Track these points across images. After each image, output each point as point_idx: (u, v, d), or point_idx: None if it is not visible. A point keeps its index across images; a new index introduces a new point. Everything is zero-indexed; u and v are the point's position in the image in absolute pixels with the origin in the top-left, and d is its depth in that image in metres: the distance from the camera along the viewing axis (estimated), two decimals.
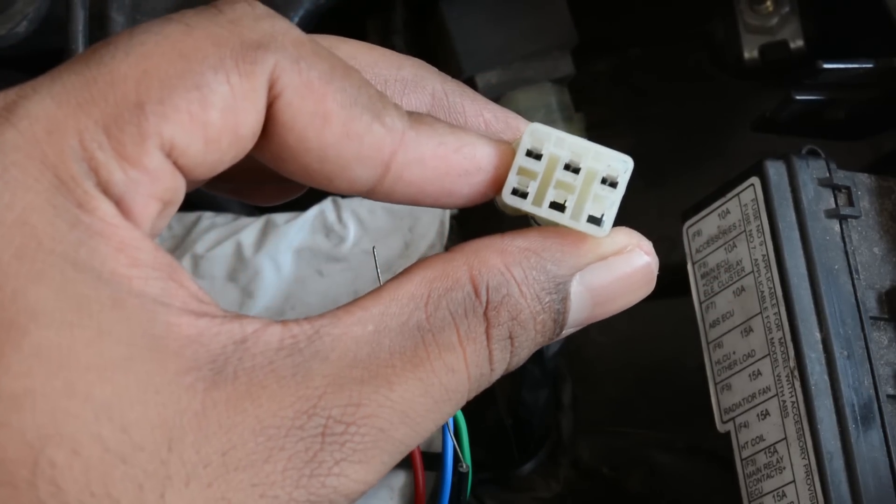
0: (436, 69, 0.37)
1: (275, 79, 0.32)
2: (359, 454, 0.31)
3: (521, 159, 0.34)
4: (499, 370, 0.33)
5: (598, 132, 0.66)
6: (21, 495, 0.28)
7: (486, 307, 0.33)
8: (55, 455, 0.28)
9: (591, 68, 0.68)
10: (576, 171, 0.33)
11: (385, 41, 0.64)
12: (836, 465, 0.44)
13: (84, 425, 0.28)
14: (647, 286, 0.36)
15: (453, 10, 0.63)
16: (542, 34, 0.63)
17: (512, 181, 0.34)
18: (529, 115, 0.64)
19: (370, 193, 0.34)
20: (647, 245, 0.35)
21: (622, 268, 0.35)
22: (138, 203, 0.31)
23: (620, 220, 0.66)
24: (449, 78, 0.37)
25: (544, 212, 0.34)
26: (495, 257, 0.33)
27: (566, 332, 0.34)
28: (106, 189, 0.30)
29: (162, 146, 0.31)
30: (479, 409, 0.53)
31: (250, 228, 0.61)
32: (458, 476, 0.42)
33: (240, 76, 0.31)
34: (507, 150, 0.34)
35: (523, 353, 0.34)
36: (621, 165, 0.34)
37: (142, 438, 0.28)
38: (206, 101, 0.31)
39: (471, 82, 0.63)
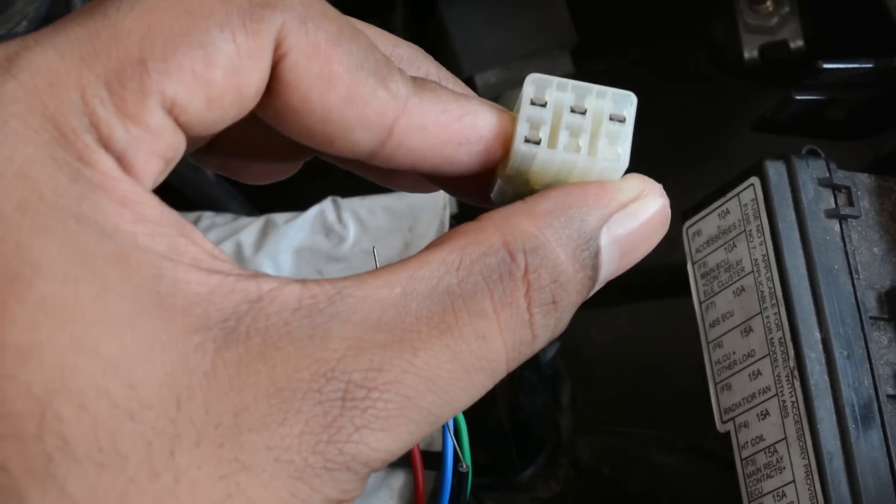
0: (432, 57, 0.37)
1: (281, 38, 0.31)
2: (381, 421, 0.29)
3: (527, 108, 0.33)
4: (543, 336, 0.32)
5: None
6: (28, 448, 0.27)
7: (525, 271, 0.31)
8: (62, 409, 0.27)
9: (591, 68, 0.68)
10: (582, 112, 0.33)
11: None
12: (835, 465, 0.44)
13: (91, 380, 0.27)
14: (663, 229, 0.35)
15: (452, 9, 0.63)
16: (541, 34, 0.63)
17: (523, 130, 0.33)
18: None
19: (370, 157, 0.33)
20: (660, 188, 0.35)
21: (643, 213, 0.34)
22: (139, 160, 0.30)
23: None
24: (443, 67, 0.37)
25: (561, 156, 0.33)
26: (526, 222, 0.32)
27: (596, 287, 0.34)
28: (107, 145, 0.30)
29: (164, 103, 0.30)
30: (479, 412, 0.53)
31: (250, 228, 0.61)
32: (458, 476, 0.42)
33: (246, 35, 0.31)
34: (509, 118, 0.34)
35: (566, 317, 0.33)
36: (625, 100, 0.33)
37: (149, 396, 0.28)
38: (211, 60, 0.30)
39: (470, 82, 0.64)
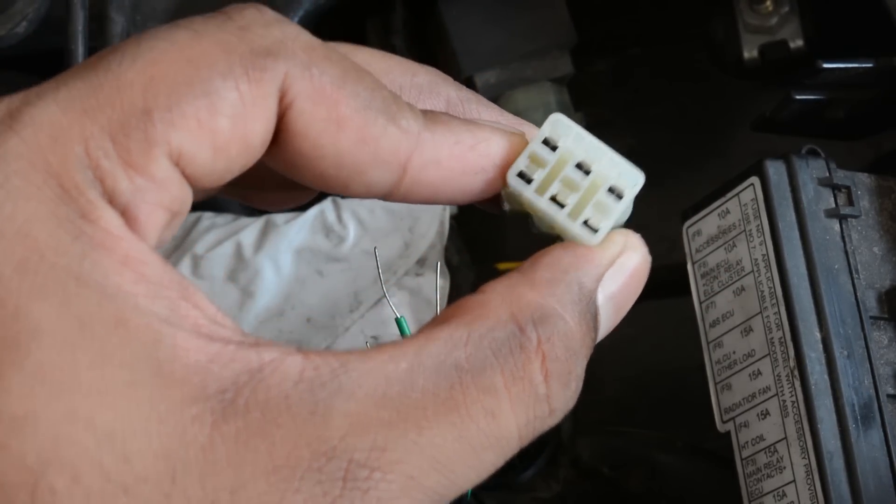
0: (451, 78, 0.37)
1: (286, 87, 0.31)
2: (384, 503, 0.28)
3: (535, 145, 0.33)
4: (561, 409, 0.31)
5: (597, 132, 0.65)
6: None
7: (539, 342, 0.31)
8: (55, 481, 0.27)
9: (591, 68, 0.68)
10: (586, 171, 0.33)
11: (385, 41, 0.64)
12: (836, 464, 0.44)
13: (85, 452, 0.27)
14: (644, 279, 0.34)
15: (452, 9, 0.63)
16: (540, 34, 0.63)
17: (521, 163, 0.33)
18: (528, 115, 0.64)
19: (388, 196, 0.33)
20: (638, 238, 0.34)
21: (629, 268, 0.34)
22: (144, 212, 0.30)
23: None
24: (464, 87, 0.37)
25: (543, 202, 0.33)
26: (530, 292, 0.31)
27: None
28: (112, 198, 0.29)
29: (170, 154, 0.30)
30: None
31: (250, 229, 0.61)
32: None
33: (249, 83, 0.30)
34: (521, 141, 0.34)
35: (580, 386, 0.32)
36: (631, 179, 0.33)
37: (144, 469, 0.27)
38: (215, 109, 0.30)
39: (470, 82, 0.63)
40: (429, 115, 0.33)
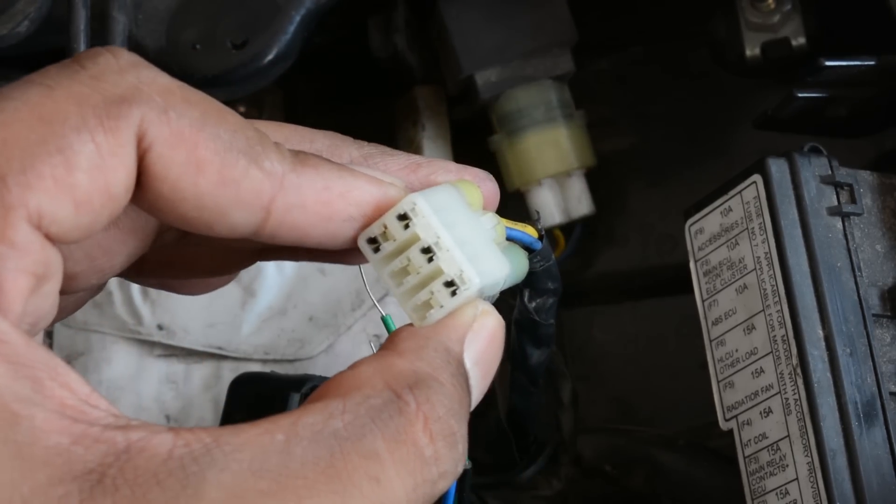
0: (351, 139, 0.36)
1: (143, 131, 0.30)
2: None
3: (389, 218, 0.33)
4: (450, 469, 0.31)
5: (599, 130, 0.66)
6: None
7: (417, 405, 0.30)
8: None
9: (593, 66, 0.68)
10: (429, 259, 0.33)
11: (386, 40, 0.64)
12: (838, 462, 0.44)
13: None
14: (502, 343, 0.34)
15: (452, 8, 0.63)
16: (541, 32, 0.63)
17: (373, 230, 0.33)
18: (530, 113, 0.64)
19: (253, 237, 0.33)
20: (488, 305, 0.34)
21: (488, 331, 0.34)
22: (7, 280, 0.29)
23: (622, 218, 0.66)
24: (366, 144, 0.36)
25: (384, 274, 0.33)
26: (399, 360, 0.31)
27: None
28: None
29: (29, 218, 0.29)
30: (479, 411, 0.53)
31: None
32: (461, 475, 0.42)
33: (105, 133, 0.30)
34: (398, 193, 0.34)
35: (465, 447, 0.31)
36: (466, 283, 0.33)
37: None
38: (71, 164, 0.30)
39: (470, 80, 0.63)
40: (299, 157, 0.33)
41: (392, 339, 0.33)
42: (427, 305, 0.33)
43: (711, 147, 0.67)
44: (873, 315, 0.47)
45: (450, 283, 0.33)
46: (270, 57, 0.55)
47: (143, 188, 0.31)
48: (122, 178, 0.30)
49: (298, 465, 0.28)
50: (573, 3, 0.64)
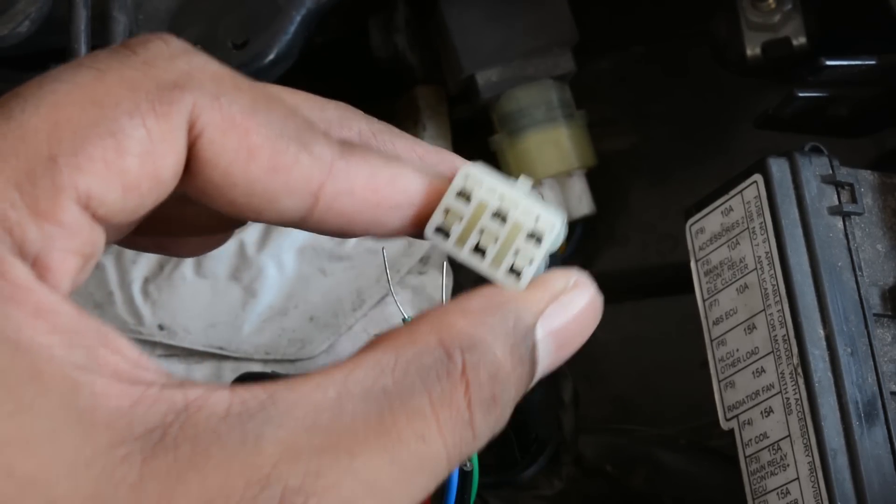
0: (361, 113, 0.36)
1: (194, 118, 0.31)
2: None
3: (449, 199, 0.33)
4: (483, 435, 0.31)
5: (599, 130, 0.66)
6: None
7: (463, 369, 0.31)
8: None
9: (593, 66, 0.68)
10: (503, 220, 0.33)
11: (387, 40, 0.64)
12: (839, 462, 0.44)
13: (8, 501, 0.26)
14: (596, 319, 0.34)
15: (453, 8, 0.63)
16: (542, 31, 0.63)
17: (436, 219, 0.33)
18: (530, 112, 0.64)
19: (300, 223, 0.33)
20: (586, 278, 0.34)
21: (575, 306, 0.33)
22: (56, 259, 0.29)
23: (622, 218, 0.66)
24: (375, 120, 0.36)
25: (464, 254, 0.33)
26: (461, 320, 0.31)
27: (534, 381, 0.33)
28: (21, 248, 0.29)
29: (78, 199, 0.29)
30: None
31: (253, 227, 0.61)
32: (462, 475, 0.42)
33: (156, 119, 0.30)
34: (441, 184, 0.34)
35: (507, 413, 0.32)
36: (549, 224, 0.33)
37: None
38: (122, 148, 0.30)
39: (471, 80, 0.63)
40: (346, 146, 0.33)
41: (467, 296, 0.32)
42: (518, 267, 0.33)
43: (712, 147, 0.67)
44: (874, 314, 0.47)
45: (531, 234, 0.33)
46: (271, 57, 0.55)
47: (192, 174, 0.31)
48: (171, 163, 0.31)
49: (350, 422, 0.29)
50: (574, 2, 0.64)
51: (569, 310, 0.33)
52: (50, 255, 0.29)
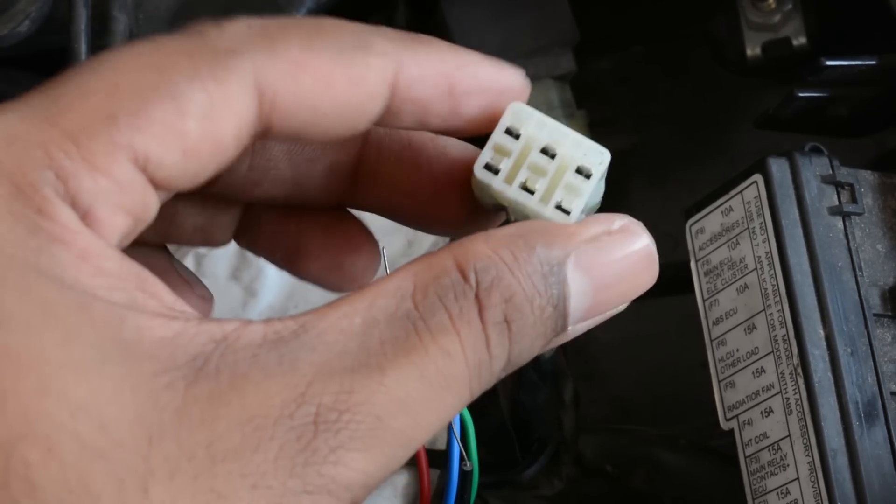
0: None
1: (261, 79, 0.31)
2: (356, 442, 0.29)
3: (497, 136, 0.33)
4: (499, 357, 0.32)
5: (600, 129, 0.66)
6: None
7: (477, 289, 0.31)
8: (29, 454, 0.27)
9: (594, 66, 0.68)
10: (552, 155, 0.33)
11: None
12: (839, 462, 0.44)
13: (59, 423, 0.27)
14: (648, 270, 0.34)
15: (454, 7, 0.63)
16: (543, 31, 0.63)
17: (486, 156, 0.33)
18: None
19: (381, 122, 0.34)
20: (640, 226, 0.34)
21: (619, 248, 0.33)
22: (105, 212, 0.30)
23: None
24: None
25: (513, 191, 0.33)
26: (481, 244, 0.32)
27: (575, 325, 0.33)
28: (74, 198, 0.29)
29: (136, 159, 0.30)
30: (482, 411, 0.53)
31: None
32: (462, 475, 0.42)
33: (216, 83, 0.31)
34: (506, 79, 0.35)
35: (525, 342, 0.32)
36: (597, 157, 0.33)
37: (120, 435, 0.28)
38: (183, 111, 0.30)
39: None
40: (409, 37, 0.34)
41: (511, 224, 0.33)
42: (567, 203, 0.33)
43: (712, 146, 0.67)
44: (874, 315, 0.47)
45: (579, 170, 0.33)
46: None
47: (282, 121, 0.32)
48: (231, 128, 0.31)
49: (378, 345, 0.30)
50: (574, 2, 0.64)
51: (609, 251, 0.33)
52: (100, 207, 0.30)
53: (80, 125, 0.30)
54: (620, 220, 0.34)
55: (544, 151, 0.33)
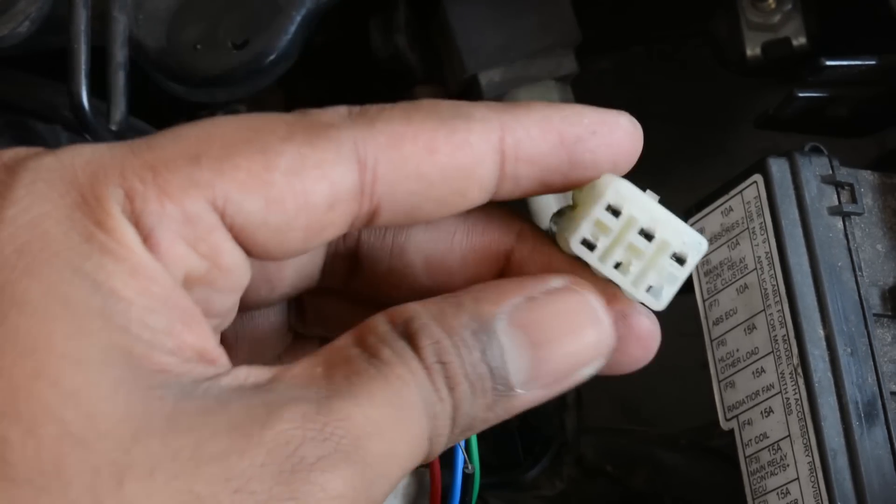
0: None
1: (362, 152, 0.32)
2: (340, 454, 0.30)
3: (598, 212, 0.33)
4: (445, 399, 0.32)
5: None
6: None
7: (407, 332, 0.32)
8: (8, 431, 0.28)
9: (594, 66, 0.68)
10: (649, 237, 0.33)
11: (387, 40, 0.64)
12: (839, 462, 0.44)
13: (46, 407, 0.28)
14: (592, 325, 0.34)
15: (455, 8, 0.63)
16: (545, 32, 0.63)
17: (585, 231, 0.33)
18: None
19: (502, 192, 0.34)
20: (584, 284, 0.34)
21: (555, 304, 0.34)
22: (166, 238, 0.30)
23: None
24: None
25: (607, 270, 0.33)
26: (413, 304, 0.33)
27: (525, 386, 0.33)
28: (138, 217, 0.30)
29: (213, 199, 0.30)
30: None
31: None
32: (464, 477, 0.42)
33: (312, 148, 0.31)
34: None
35: (465, 389, 0.32)
36: (696, 246, 0.33)
37: (107, 427, 0.28)
38: (270, 164, 0.31)
39: (474, 80, 0.63)
40: (503, 104, 0.34)
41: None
42: (658, 286, 0.33)
43: (712, 146, 0.67)
44: (874, 315, 0.47)
45: (676, 256, 0.33)
46: (272, 57, 0.55)
47: (389, 196, 0.32)
48: (324, 189, 0.31)
49: (343, 380, 0.31)
50: (576, 3, 0.64)
51: (544, 306, 0.33)
52: (162, 232, 0.30)
53: (163, 159, 0.30)
54: (560, 280, 0.34)
55: (642, 233, 0.33)
